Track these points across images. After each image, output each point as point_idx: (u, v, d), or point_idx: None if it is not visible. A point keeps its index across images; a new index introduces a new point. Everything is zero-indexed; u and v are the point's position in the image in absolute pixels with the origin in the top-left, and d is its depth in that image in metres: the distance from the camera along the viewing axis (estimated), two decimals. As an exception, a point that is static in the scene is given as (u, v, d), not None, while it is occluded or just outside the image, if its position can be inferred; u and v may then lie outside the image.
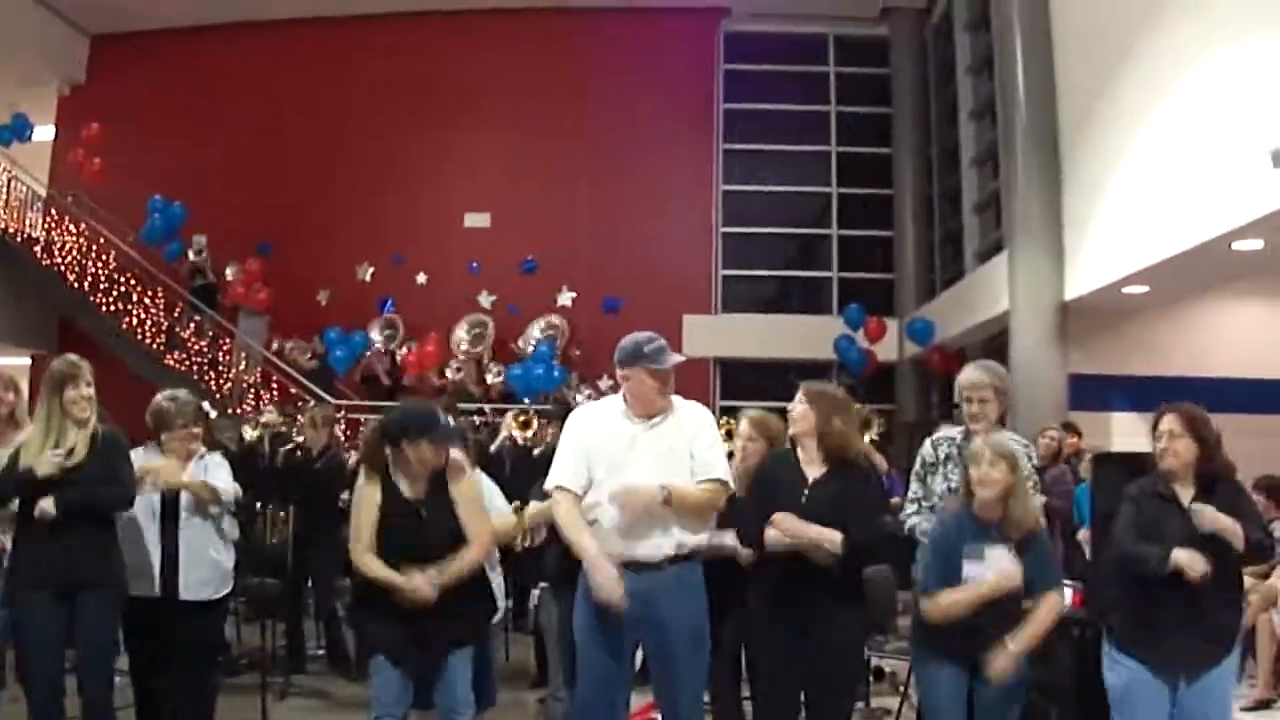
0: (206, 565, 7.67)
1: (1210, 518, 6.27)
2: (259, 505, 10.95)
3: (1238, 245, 13.42)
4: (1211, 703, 6.41)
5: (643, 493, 6.39)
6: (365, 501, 6.72)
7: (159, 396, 7.82)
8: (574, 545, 6.61)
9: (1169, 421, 6.49)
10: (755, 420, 7.88)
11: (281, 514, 11.03)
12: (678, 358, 6.66)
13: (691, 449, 6.61)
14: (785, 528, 6.59)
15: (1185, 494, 6.48)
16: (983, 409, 7.30)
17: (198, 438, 7.83)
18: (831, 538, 6.51)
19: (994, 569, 6.30)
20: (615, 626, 6.52)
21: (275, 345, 23.62)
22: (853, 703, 7.60)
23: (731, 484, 6.76)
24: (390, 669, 6.62)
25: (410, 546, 6.59)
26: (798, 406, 6.91)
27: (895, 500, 8.02)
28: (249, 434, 13.33)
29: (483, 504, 7.03)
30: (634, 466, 6.53)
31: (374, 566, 6.60)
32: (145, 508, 7.50)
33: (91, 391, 6.99)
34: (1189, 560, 6.19)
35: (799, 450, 6.91)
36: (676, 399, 6.75)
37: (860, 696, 9.36)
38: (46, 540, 6.73)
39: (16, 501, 6.85)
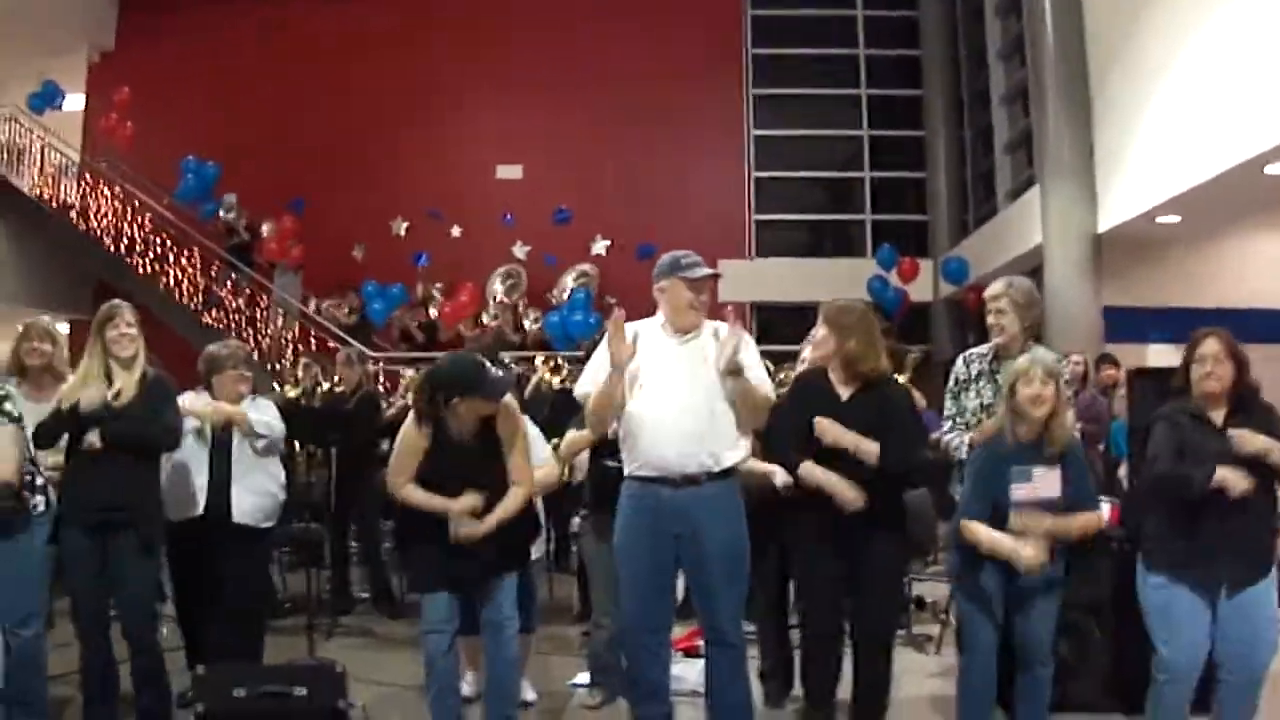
0: (259, 492, 7.84)
1: (1249, 439, 6.29)
2: (299, 447, 11.07)
3: (1270, 169, 13.38)
4: (1254, 618, 6.39)
5: (731, 340, 6.43)
6: (410, 438, 6.78)
7: (210, 346, 7.95)
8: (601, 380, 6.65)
9: (1212, 345, 6.42)
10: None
11: (319, 457, 11.14)
12: (710, 271, 6.68)
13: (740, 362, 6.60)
14: (828, 433, 6.65)
15: (1217, 416, 6.47)
16: (999, 319, 7.33)
17: (247, 380, 7.96)
18: (869, 449, 6.57)
19: (1043, 488, 6.34)
20: (655, 545, 6.60)
21: (312, 304, 23.70)
22: (895, 628, 7.67)
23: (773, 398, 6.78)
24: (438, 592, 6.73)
25: (455, 484, 6.67)
26: (819, 331, 6.98)
27: (934, 436, 8.01)
28: (290, 393, 13.36)
29: (528, 445, 7.06)
30: (668, 378, 6.58)
31: (416, 495, 6.70)
32: (197, 438, 7.67)
33: (134, 331, 6.99)
34: (1234, 479, 6.22)
35: (830, 372, 6.94)
36: (714, 322, 6.75)
37: (902, 624, 9.42)
38: (89, 475, 6.78)
39: (66, 438, 6.89)
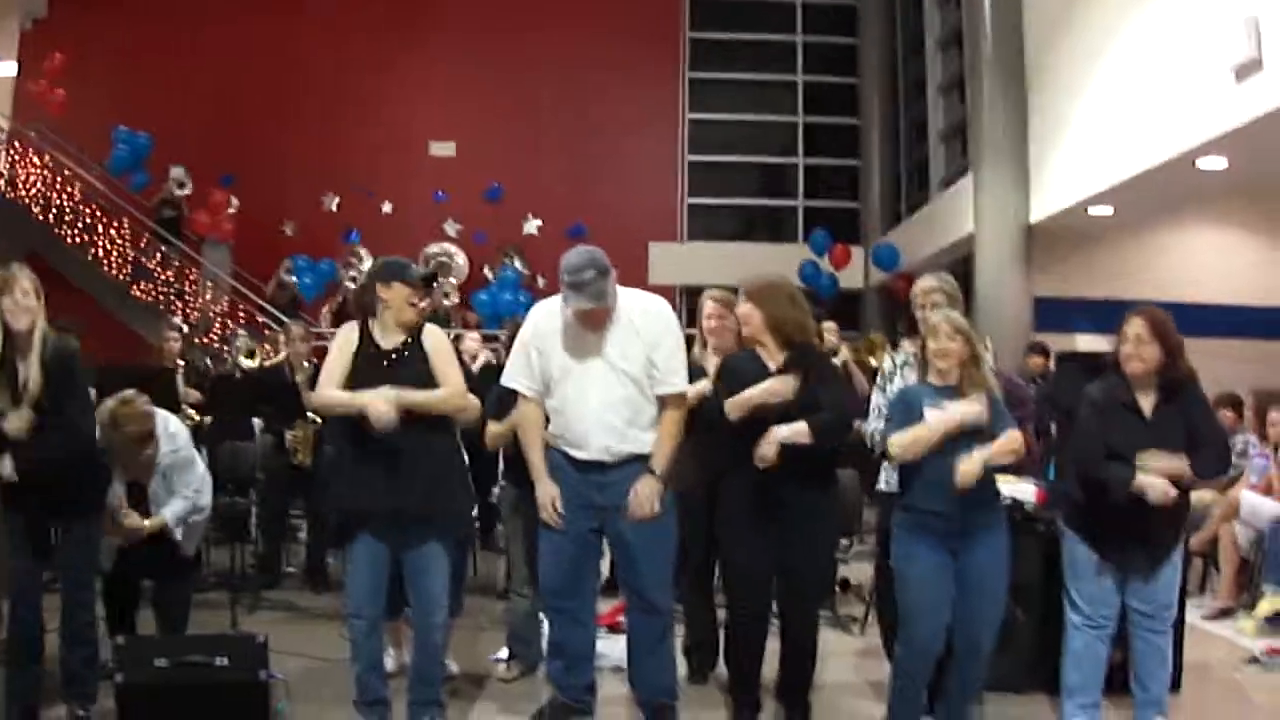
0: (186, 530, 7.71)
1: (1157, 469, 6.32)
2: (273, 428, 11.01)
3: (1201, 163, 13.49)
4: (1159, 589, 6.60)
5: (645, 497, 6.52)
6: (341, 345, 6.73)
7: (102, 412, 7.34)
8: (527, 455, 6.79)
9: (1136, 326, 6.48)
10: (720, 298, 7.86)
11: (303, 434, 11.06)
12: (613, 290, 6.52)
13: (653, 356, 6.58)
14: (749, 401, 6.61)
15: (1147, 401, 6.52)
16: (934, 314, 7.31)
17: (149, 444, 7.56)
18: (785, 386, 6.58)
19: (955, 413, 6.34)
20: (578, 513, 6.62)
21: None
22: (822, 601, 7.70)
23: (688, 390, 6.81)
24: (364, 563, 6.64)
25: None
26: (743, 307, 6.93)
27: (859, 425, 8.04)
28: (248, 364, 13.23)
29: (455, 358, 6.98)
30: (586, 371, 6.58)
31: (333, 395, 6.60)
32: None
33: (30, 301, 6.53)
34: (1151, 487, 6.25)
35: (757, 348, 6.91)
36: (634, 293, 6.73)
37: (827, 606, 9.45)
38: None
39: None
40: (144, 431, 7.34)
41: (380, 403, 6.39)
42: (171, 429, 7.64)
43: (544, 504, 6.67)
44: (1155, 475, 6.26)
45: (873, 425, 7.38)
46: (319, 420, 10.31)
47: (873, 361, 11.57)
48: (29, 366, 6.51)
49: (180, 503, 7.58)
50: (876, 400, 7.48)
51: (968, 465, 6.16)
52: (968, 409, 6.30)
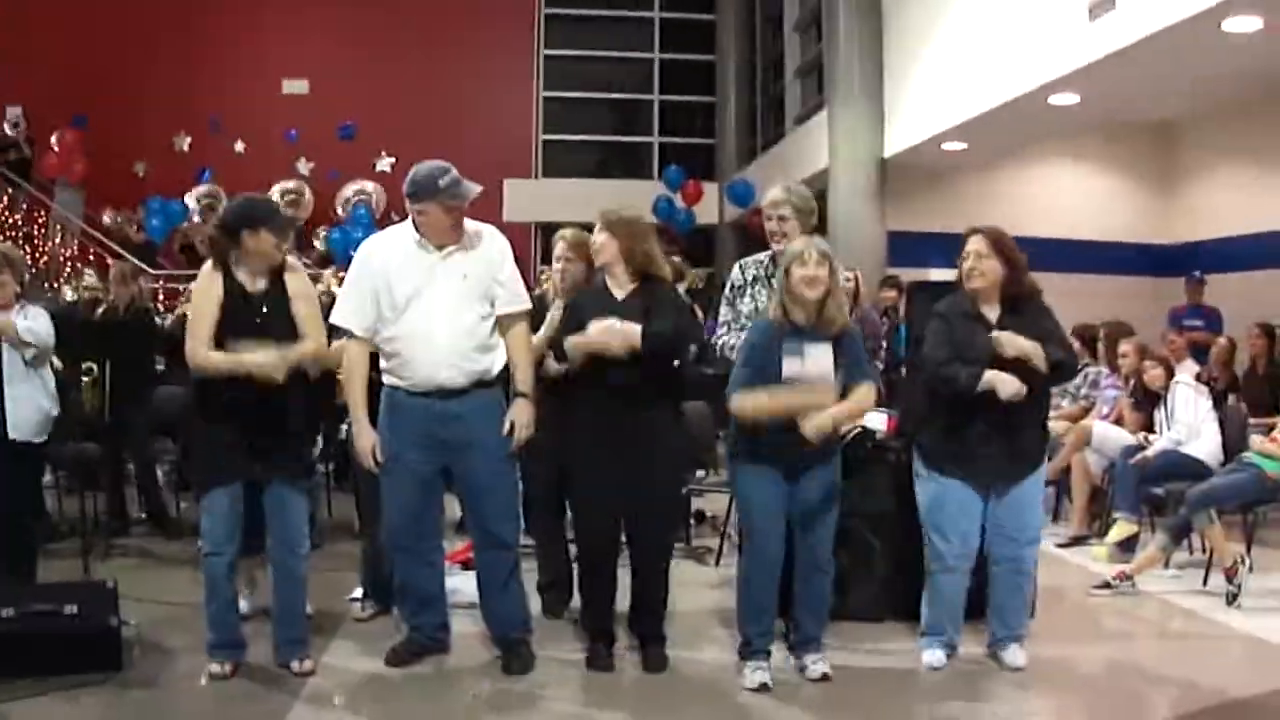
0: (32, 407, 7.55)
1: (1009, 341, 6.39)
2: (81, 367, 10.76)
3: (1054, 99, 13.62)
4: (1022, 510, 6.70)
5: (523, 422, 6.62)
6: (205, 294, 6.60)
7: None
8: (349, 400, 6.79)
9: (975, 242, 6.60)
10: (572, 240, 7.73)
11: (93, 378, 10.85)
12: (474, 188, 6.58)
13: (497, 277, 6.65)
14: (591, 332, 6.55)
15: (992, 314, 6.61)
16: (782, 225, 7.28)
17: (14, 286, 7.60)
18: (631, 330, 6.52)
19: (814, 365, 6.32)
20: (422, 453, 6.62)
21: (105, 218, 23.16)
22: (673, 536, 7.67)
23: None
24: (221, 502, 6.54)
25: (249, 339, 6.44)
26: (599, 236, 6.88)
27: (710, 341, 8.04)
28: (68, 295, 13.03)
29: (316, 301, 6.90)
30: (433, 297, 6.54)
31: (215, 358, 6.47)
32: None
33: None
34: (1003, 381, 6.31)
35: (607, 279, 6.88)
36: (468, 222, 6.70)
37: (681, 537, 9.45)
38: None
39: None
40: (21, 269, 7.68)
41: (270, 368, 6.37)
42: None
43: (363, 451, 6.70)
44: (1006, 373, 6.36)
45: (722, 338, 7.38)
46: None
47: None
48: None
49: (34, 324, 7.56)
50: (725, 314, 7.49)
51: (819, 421, 6.19)
52: (816, 393, 6.27)
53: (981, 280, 6.54)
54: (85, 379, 10.73)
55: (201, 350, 6.51)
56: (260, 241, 6.55)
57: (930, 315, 6.87)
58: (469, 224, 6.69)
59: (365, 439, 6.68)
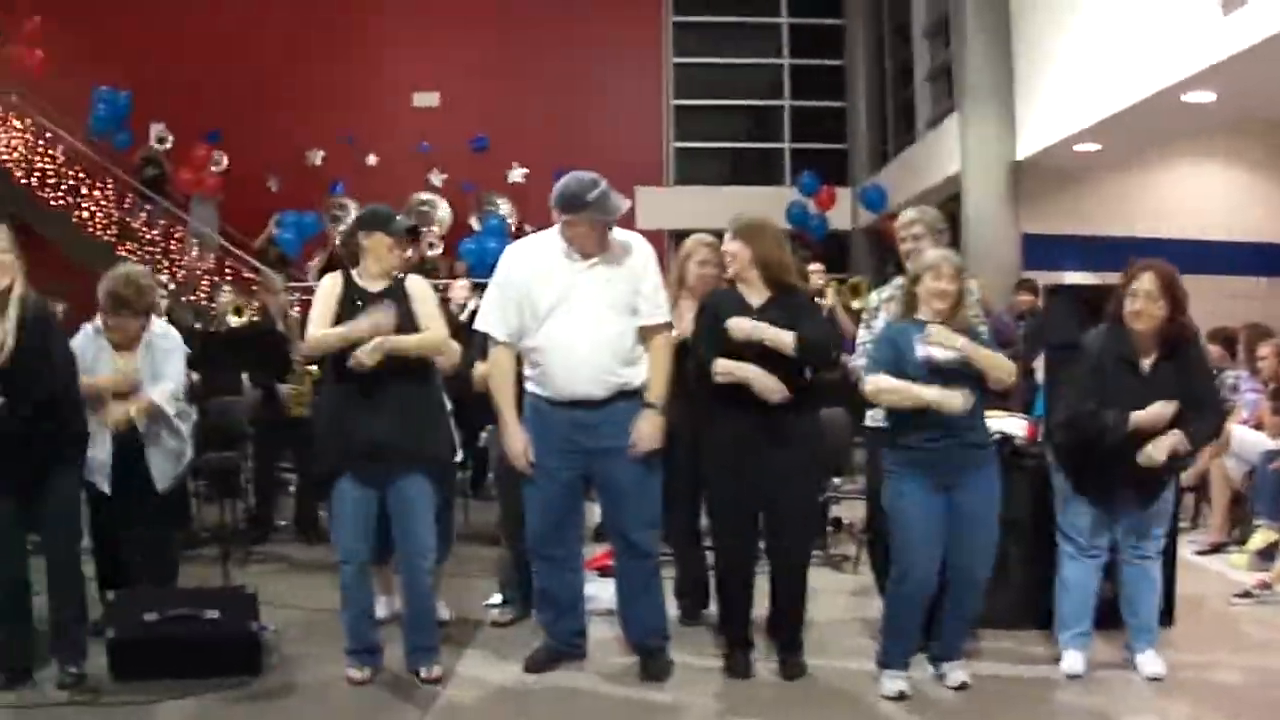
0: (172, 458, 7.63)
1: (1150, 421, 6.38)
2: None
3: (1188, 97, 13.45)
4: (1152, 519, 6.71)
5: (648, 433, 6.65)
6: (326, 293, 6.72)
7: (105, 278, 7.51)
8: (497, 404, 6.83)
9: (1146, 282, 6.43)
10: (712, 246, 7.69)
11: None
12: (624, 203, 6.64)
13: (640, 288, 6.68)
14: (741, 328, 6.54)
15: (1146, 358, 6.53)
16: (916, 244, 7.24)
17: (125, 328, 7.52)
18: (784, 337, 6.49)
19: (946, 352, 6.29)
20: (564, 459, 6.69)
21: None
22: (810, 544, 7.66)
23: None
24: (349, 508, 6.65)
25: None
26: (730, 244, 6.85)
27: (846, 360, 7.99)
28: (234, 321, 13.18)
29: (436, 303, 6.98)
30: (575, 307, 6.60)
31: (324, 334, 6.57)
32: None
33: (8, 258, 6.50)
34: (1155, 451, 6.30)
35: (740, 286, 6.84)
36: (616, 232, 6.75)
37: (819, 545, 9.44)
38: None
39: None
40: (146, 298, 7.53)
41: (368, 342, 6.40)
42: (163, 326, 7.74)
43: (515, 453, 6.76)
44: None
45: (858, 361, 7.36)
46: (315, 370, 10.31)
47: (856, 304, 11.58)
48: (5, 322, 6.40)
49: (168, 383, 7.53)
50: (862, 336, 7.48)
51: (946, 396, 6.22)
52: (951, 399, 6.23)
53: (1148, 324, 6.42)
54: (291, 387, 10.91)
55: (315, 332, 6.63)
56: (377, 244, 6.69)
57: (1084, 339, 6.78)
58: (617, 233, 6.75)
59: (517, 441, 6.74)
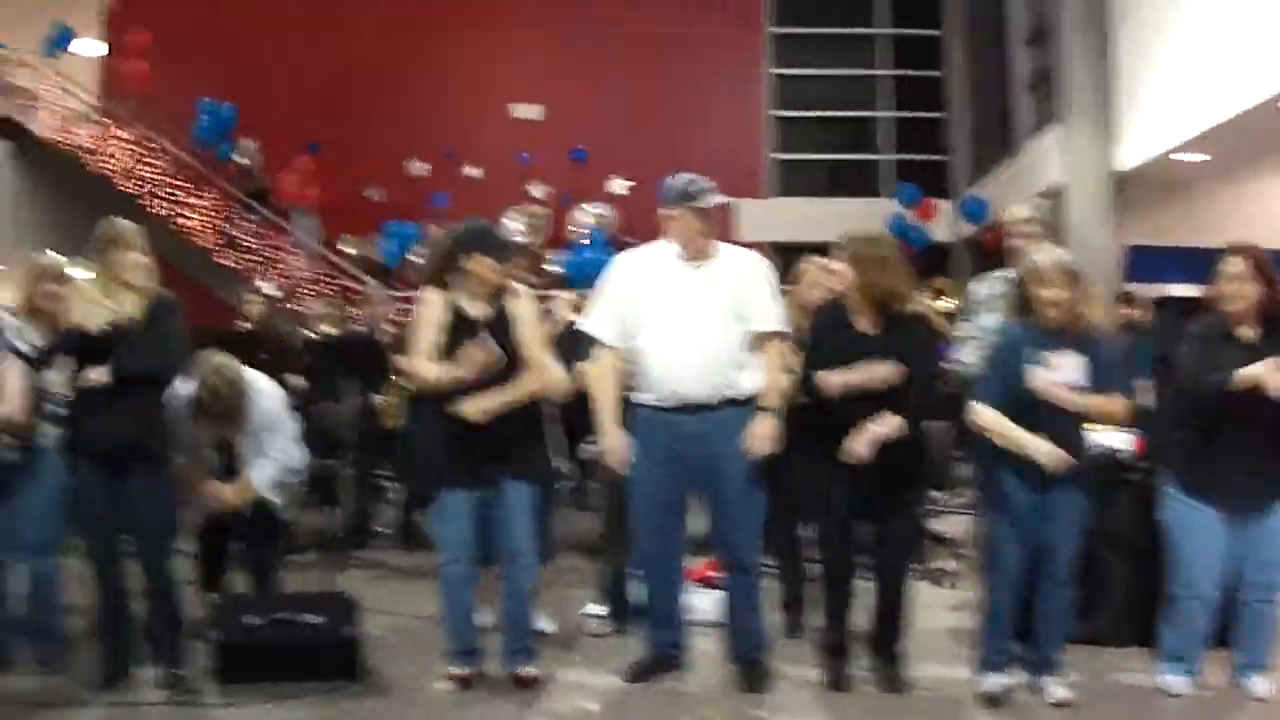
0: (276, 479, 7.64)
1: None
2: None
3: (1294, 106, 13.30)
4: (1274, 535, 6.46)
5: (762, 435, 6.59)
6: (427, 316, 6.75)
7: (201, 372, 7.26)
8: (598, 407, 6.82)
9: (1235, 264, 6.35)
10: (824, 268, 7.63)
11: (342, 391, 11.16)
12: (721, 198, 6.69)
13: (751, 294, 6.68)
14: (830, 384, 6.52)
15: (1248, 334, 6.40)
16: (1029, 243, 7.18)
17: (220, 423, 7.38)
18: (893, 424, 6.44)
19: (1059, 374, 6.22)
20: (669, 471, 6.68)
21: (351, 250, 23.72)
22: (914, 550, 7.63)
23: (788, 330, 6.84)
24: (454, 512, 6.70)
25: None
26: (840, 265, 6.80)
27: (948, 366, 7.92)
28: (331, 331, 13.32)
29: (539, 327, 7.00)
30: (681, 310, 6.61)
31: (427, 367, 6.63)
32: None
33: (146, 259, 6.74)
34: (1261, 374, 6.13)
35: (849, 308, 6.78)
36: (728, 246, 6.80)
37: (918, 559, 9.38)
38: (98, 407, 6.53)
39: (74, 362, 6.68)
40: (236, 405, 7.25)
41: (474, 412, 6.50)
42: (262, 387, 7.58)
43: (613, 455, 6.77)
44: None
45: (961, 357, 7.29)
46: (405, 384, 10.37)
47: (941, 303, 11.52)
48: (133, 300, 6.66)
49: (270, 465, 7.50)
50: (965, 329, 7.40)
51: (1048, 447, 6.16)
52: (1067, 380, 6.20)
53: (1242, 304, 6.32)
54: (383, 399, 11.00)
55: (416, 360, 6.68)
56: (478, 265, 6.67)
57: (1176, 335, 6.70)
58: (729, 247, 6.81)
59: (616, 443, 6.74)
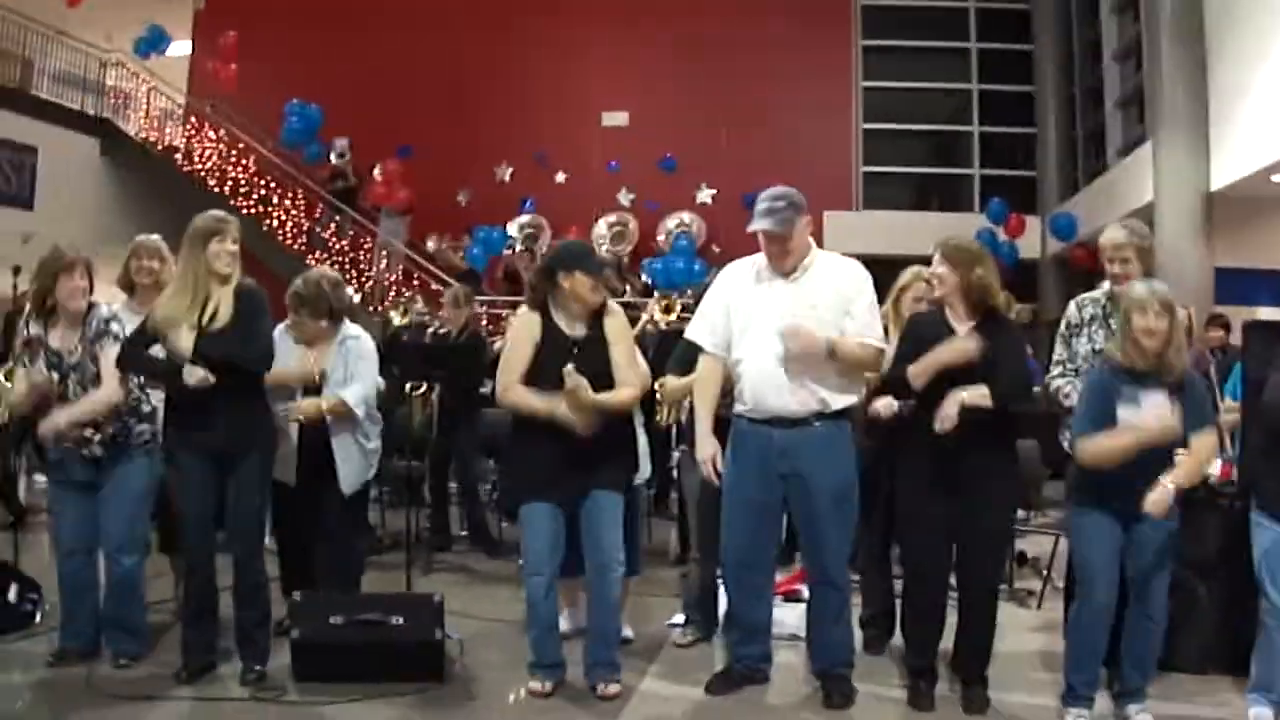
0: (359, 458, 7.75)
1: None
2: (406, 388, 11.08)
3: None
4: None
5: (805, 336, 6.49)
6: (521, 336, 6.81)
7: (295, 282, 7.80)
8: (696, 411, 6.90)
9: None
10: (926, 276, 7.48)
11: (423, 397, 11.19)
12: (765, 225, 6.60)
13: (850, 308, 6.64)
14: (926, 363, 6.52)
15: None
16: (1125, 269, 7.05)
17: (318, 317, 7.73)
18: (980, 392, 6.44)
19: (1151, 414, 6.16)
20: (762, 482, 6.68)
21: (430, 244, 24.06)
22: (1000, 577, 7.59)
23: (888, 349, 6.82)
24: (540, 523, 6.72)
25: (561, 382, 6.58)
26: (938, 267, 6.78)
27: (1038, 387, 7.85)
28: (396, 320, 13.44)
29: (633, 344, 7.04)
30: (775, 322, 6.59)
31: (521, 395, 6.69)
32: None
33: (236, 249, 6.83)
34: None
35: (946, 309, 6.77)
36: (831, 254, 6.82)
37: (1003, 579, 9.33)
38: (201, 402, 6.60)
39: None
40: (328, 296, 7.72)
41: (578, 426, 6.54)
42: (357, 329, 7.89)
43: (704, 459, 6.78)
44: None
45: (1056, 381, 7.24)
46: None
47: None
48: (223, 295, 6.73)
49: (359, 386, 7.66)
50: (1060, 353, 7.34)
51: (1158, 496, 6.04)
52: (1161, 424, 6.13)
53: None
54: (415, 395, 11.07)
55: (510, 387, 6.73)
56: (576, 284, 6.71)
57: (1268, 360, 6.63)
58: (834, 256, 6.84)
59: (707, 448, 6.76)
